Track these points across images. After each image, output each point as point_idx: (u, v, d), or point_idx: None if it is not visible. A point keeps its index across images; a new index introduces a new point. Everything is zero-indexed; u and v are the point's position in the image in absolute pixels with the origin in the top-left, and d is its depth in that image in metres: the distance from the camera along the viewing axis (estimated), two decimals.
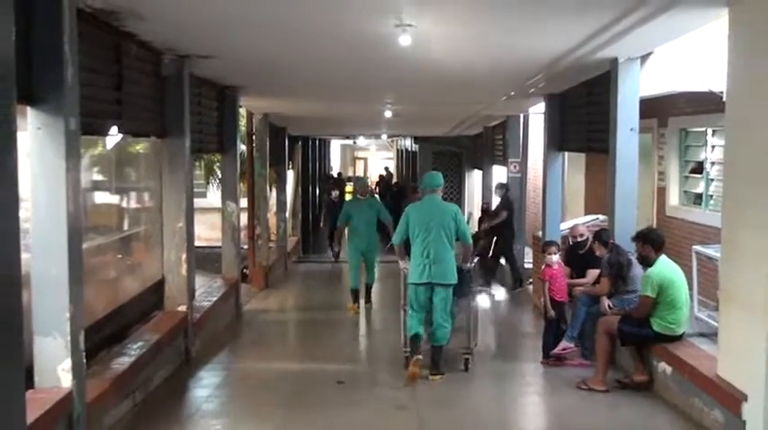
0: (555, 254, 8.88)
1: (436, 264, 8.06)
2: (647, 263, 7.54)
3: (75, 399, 5.34)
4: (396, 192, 25.72)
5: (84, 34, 5.64)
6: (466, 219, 10.33)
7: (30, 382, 5.12)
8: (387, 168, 37.64)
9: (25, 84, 4.87)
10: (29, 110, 5.07)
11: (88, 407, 5.60)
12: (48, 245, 5.20)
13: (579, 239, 9.33)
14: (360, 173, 47.32)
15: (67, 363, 5.30)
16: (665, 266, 7.44)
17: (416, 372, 7.84)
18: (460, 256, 8.61)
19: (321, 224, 23.93)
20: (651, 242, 7.51)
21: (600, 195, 12.08)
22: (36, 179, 5.16)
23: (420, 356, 7.97)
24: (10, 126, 2.27)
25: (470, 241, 8.75)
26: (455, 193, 25.62)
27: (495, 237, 14.44)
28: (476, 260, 9.45)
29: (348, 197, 19.95)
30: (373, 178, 38.20)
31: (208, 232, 16.64)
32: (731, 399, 5.84)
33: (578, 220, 11.73)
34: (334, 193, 22.32)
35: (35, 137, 5.13)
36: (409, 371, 7.88)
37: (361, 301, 12.41)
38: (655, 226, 10.43)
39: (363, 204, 12.64)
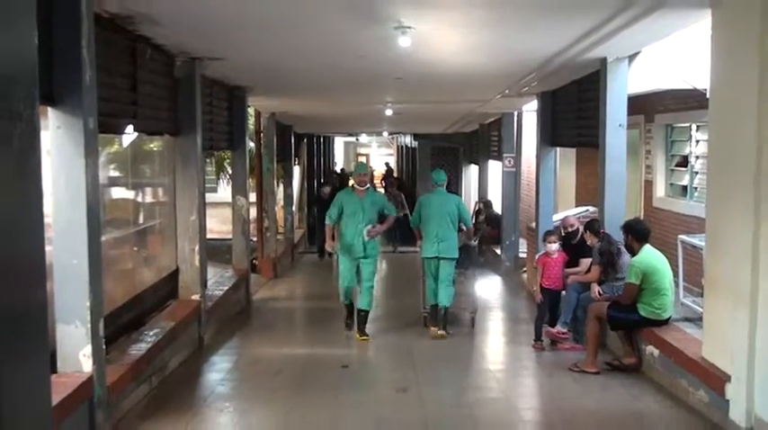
0: (554, 243, 8.90)
1: (443, 242, 9.43)
2: (632, 252, 7.59)
3: (95, 383, 5.36)
4: (398, 188, 25.64)
5: (101, 38, 5.65)
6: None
7: (53, 367, 5.15)
8: (387, 164, 37.60)
9: (46, 85, 4.89)
10: (50, 110, 5.09)
11: (108, 391, 5.63)
12: (68, 237, 5.22)
13: (570, 230, 9.34)
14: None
15: (88, 349, 5.32)
16: (649, 255, 7.47)
17: (436, 335, 9.29)
18: (464, 235, 10.08)
19: (311, 222, 20.57)
20: (635, 233, 7.57)
21: (590, 188, 12.11)
22: (57, 175, 5.17)
23: (435, 328, 9.39)
24: (33, 125, 2.28)
25: (471, 223, 10.56)
26: (453, 187, 25.58)
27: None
28: (478, 239, 10.97)
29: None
30: (379, 171, 37.10)
31: (219, 225, 16.63)
32: (715, 380, 5.87)
33: (569, 212, 11.74)
34: (325, 189, 18.41)
35: (56, 135, 5.15)
36: (430, 332, 9.40)
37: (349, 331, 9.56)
38: (642, 217, 10.46)
39: (364, 198, 9.31)
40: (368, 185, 9.53)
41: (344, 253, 9.30)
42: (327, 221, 9.51)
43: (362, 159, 47.60)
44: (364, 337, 9.24)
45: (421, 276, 10.11)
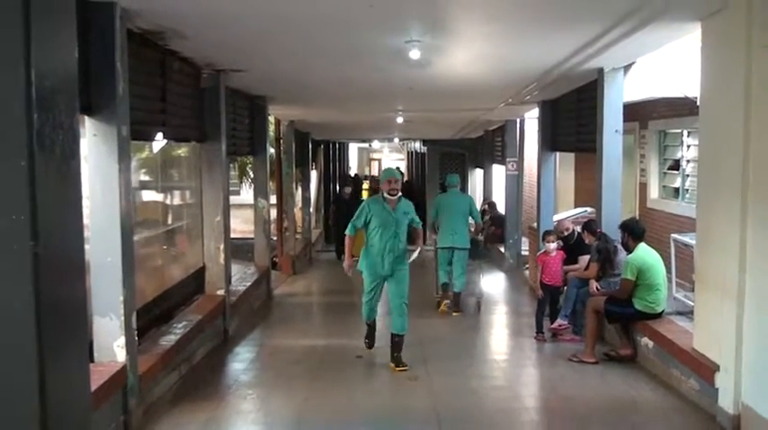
0: (552, 242, 8.92)
1: (456, 234, 10.34)
2: (628, 250, 7.59)
3: (128, 372, 5.42)
4: (408, 190, 25.63)
5: (133, 52, 5.70)
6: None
7: (90, 357, 5.20)
8: (398, 168, 37.50)
9: (84, 96, 4.95)
10: (86, 119, 5.15)
11: (140, 379, 5.67)
12: (103, 237, 5.27)
13: (566, 233, 9.37)
14: (375, 172, 45.93)
15: (122, 341, 5.37)
16: (643, 253, 7.47)
17: (445, 310, 10.28)
18: (474, 231, 10.99)
19: (330, 222, 19.59)
20: (631, 232, 7.58)
21: (588, 190, 12.05)
22: (92, 179, 5.22)
23: (448, 301, 10.39)
24: (74, 133, 2.32)
25: (480, 220, 11.48)
26: (459, 189, 25.52)
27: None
28: (483, 235, 11.76)
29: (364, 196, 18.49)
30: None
31: (242, 225, 16.65)
32: (705, 370, 5.86)
33: (564, 215, 11.71)
34: (347, 190, 18.27)
35: (92, 142, 5.21)
36: (440, 309, 10.36)
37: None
38: (637, 217, 10.43)
39: (396, 209, 7.61)
40: (399, 194, 7.68)
41: (370, 269, 7.68)
42: (348, 233, 7.81)
43: (375, 164, 47.10)
44: (402, 368, 7.38)
45: (434, 267, 10.95)
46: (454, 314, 10.22)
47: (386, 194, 7.61)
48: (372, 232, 7.61)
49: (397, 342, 7.55)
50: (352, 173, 33.25)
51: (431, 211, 10.85)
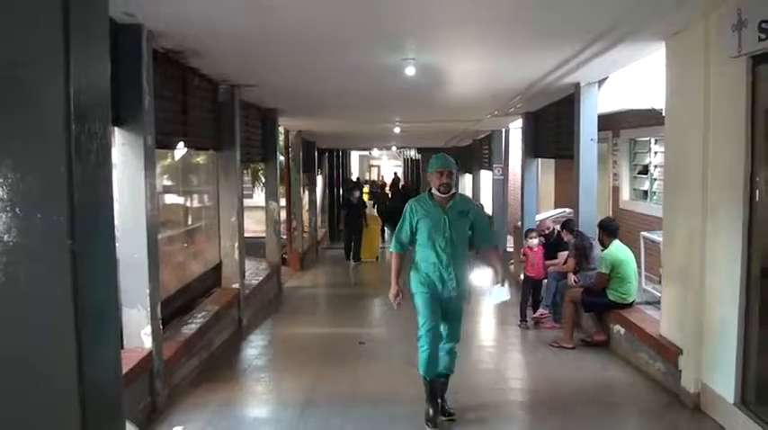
0: (534, 238, 8.97)
1: None
2: (603, 246, 7.62)
3: (154, 357, 5.46)
4: (404, 193, 25.65)
5: (157, 69, 5.73)
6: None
7: (120, 344, 5.22)
8: (395, 173, 37.57)
9: (114, 109, 4.97)
10: (116, 130, 5.19)
11: (165, 364, 5.72)
12: (131, 235, 5.30)
13: (546, 232, 9.41)
14: (374, 177, 45.62)
15: (148, 329, 5.42)
16: (617, 249, 7.50)
17: None
18: None
19: (339, 225, 17.69)
20: (606, 230, 7.62)
21: (567, 192, 12.12)
22: (121, 184, 5.26)
23: None
24: (107, 142, 2.36)
25: None
26: None
27: None
28: None
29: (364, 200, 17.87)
30: (386, 179, 36.91)
31: (254, 226, 16.58)
32: (670, 353, 5.91)
33: (549, 213, 11.76)
34: (356, 194, 16.54)
35: (120, 151, 5.25)
36: None
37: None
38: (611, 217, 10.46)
39: (449, 209, 5.15)
40: (453, 190, 5.18)
41: (423, 291, 5.19)
42: (393, 250, 5.36)
43: (374, 170, 46.80)
44: (450, 417, 5.32)
45: None
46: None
47: (435, 191, 5.20)
48: (420, 240, 5.20)
49: (443, 382, 5.40)
50: (354, 177, 33.23)
51: None
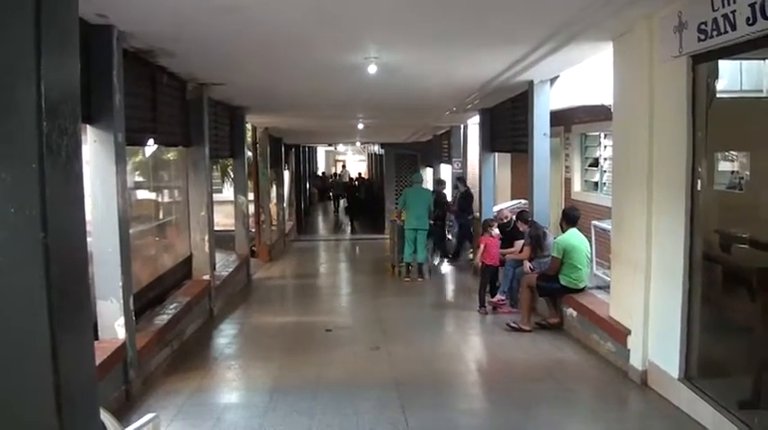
0: (493, 227, 9.05)
1: (418, 219, 11.39)
2: (563, 232, 7.74)
3: (128, 347, 5.40)
4: (367, 187, 25.73)
5: (127, 68, 5.64)
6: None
7: (95, 335, 5.14)
8: (360, 173, 37.42)
9: (85, 107, 4.88)
10: (88, 127, 5.11)
11: (138, 353, 5.66)
12: (104, 230, 5.24)
13: (504, 221, 9.49)
14: (339, 171, 45.62)
15: (121, 320, 5.36)
16: (570, 236, 7.62)
17: (408, 280, 11.35)
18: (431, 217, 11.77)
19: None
20: (566, 217, 7.76)
21: (522, 185, 12.20)
22: (93, 180, 5.17)
23: (408, 278, 11.40)
24: (77, 138, 2.32)
25: (433, 211, 12.02)
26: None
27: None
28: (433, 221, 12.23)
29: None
30: (352, 175, 36.90)
31: (224, 219, 16.42)
32: (619, 334, 6.03)
33: (506, 205, 11.86)
34: (317, 183, 17.48)
35: (92, 148, 5.17)
36: (405, 279, 11.41)
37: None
38: (563, 207, 10.58)
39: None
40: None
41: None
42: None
43: (339, 164, 46.88)
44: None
45: (397, 241, 12.04)
46: (419, 280, 11.40)
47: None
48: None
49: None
50: (320, 172, 33.09)
51: (399, 200, 12.25)
